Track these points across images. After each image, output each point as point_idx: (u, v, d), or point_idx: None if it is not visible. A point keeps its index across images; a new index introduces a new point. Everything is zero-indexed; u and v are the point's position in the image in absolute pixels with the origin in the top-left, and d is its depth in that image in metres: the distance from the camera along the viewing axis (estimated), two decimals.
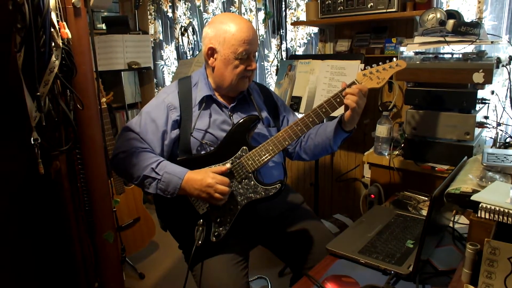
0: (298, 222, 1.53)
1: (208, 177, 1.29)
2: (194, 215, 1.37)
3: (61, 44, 1.26)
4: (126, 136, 1.43)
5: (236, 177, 1.36)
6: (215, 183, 1.28)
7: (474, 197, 0.99)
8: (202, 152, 1.43)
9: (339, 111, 1.39)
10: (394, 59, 1.38)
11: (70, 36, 1.29)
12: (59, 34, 1.25)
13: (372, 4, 2.07)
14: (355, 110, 1.32)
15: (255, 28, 1.46)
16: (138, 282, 2.51)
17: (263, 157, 1.34)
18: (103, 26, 3.46)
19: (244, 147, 1.36)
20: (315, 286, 1.08)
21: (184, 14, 3.49)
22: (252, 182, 1.35)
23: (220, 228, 1.36)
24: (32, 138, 1.27)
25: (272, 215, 1.53)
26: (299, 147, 1.59)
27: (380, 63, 1.37)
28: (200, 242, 1.32)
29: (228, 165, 1.34)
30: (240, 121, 1.39)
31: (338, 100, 1.34)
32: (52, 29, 1.22)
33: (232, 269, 1.35)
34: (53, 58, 1.24)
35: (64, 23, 1.28)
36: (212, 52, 1.42)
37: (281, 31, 2.83)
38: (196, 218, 1.36)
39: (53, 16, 1.23)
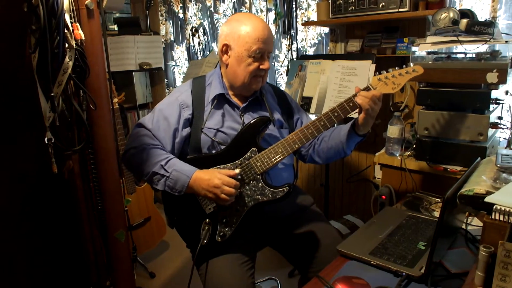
0: (306, 224, 1.52)
1: (215, 178, 1.30)
2: (201, 214, 1.38)
3: (74, 45, 1.27)
4: (138, 132, 1.45)
5: (244, 178, 1.36)
6: (222, 184, 1.29)
7: (488, 199, 0.98)
8: (212, 151, 1.44)
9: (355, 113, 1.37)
10: (411, 64, 1.35)
11: (83, 37, 1.31)
12: (73, 35, 1.27)
13: (383, 3, 2.05)
14: (368, 113, 1.30)
15: None
16: (148, 281, 2.53)
17: (272, 159, 1.34)
18: (115, 27, 3.49)
19: (254, 148, 1.36)
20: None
21: (195, 15, 3.51)
22: (260, 184, 1.35)
23: (226, 229, 1.36)
24: (46, 138, 1.29)
25: (280, 216, 1.53)
26: (312, 150, 1.58)
27: (396, 68, 1.35)
28: (205, 241, 1.33)
29: (237, 170, 1.34)
30: (251, 121, 1.39)
31: (351, 104, 1.32)
32: (65, 31, 1.24)
33: (237, 269, 1.35)
34: (67, 59, 1.26)
35: (78, 24, 1.30)
36: (226, 49, 1.44)
37: (292, 31, 2.82)
38: (203, 217, 1.37)
39: (67, 17, 1.25)
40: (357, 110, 1.34)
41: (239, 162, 1.37)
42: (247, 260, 1.40)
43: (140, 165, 1.38)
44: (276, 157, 1.34)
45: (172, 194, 1.36)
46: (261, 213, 1.41)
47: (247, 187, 1.36)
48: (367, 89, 1.34)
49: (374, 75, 1.37)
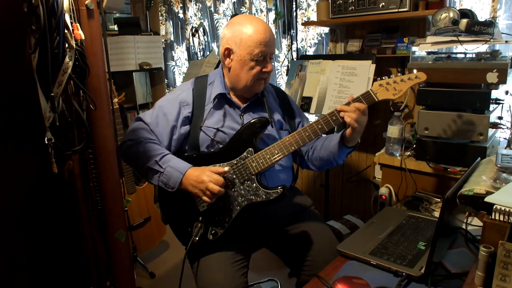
0: (302, 226, 1.52)
1: (203, 174, 1.31)
2: (194, 212, 1.39)
3: (74, 45, 1.27)
4: (136, 126, 1.47)
5: (239, 177, 1.36)
6: (209, 181, 1.30)
7: (487, 199, 0.98)
8: (211, 150, 1.44)
9: None
10: (415, 70, 1.33)
11: (83, 37, 1.31)
12: (73, 35, 1.27)
13: (383, 3, 2.05)
14: (355, 128, 1.31)
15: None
16: (148, 281, 2.53)
17: (268, 160, 1.34)
18: (115, 27, 3.49)
19: (250, 149, 1.36)
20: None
21: (195, 15, 3.51)
22: (254, 185, 1.34)
23: (218, 227, 1.36)
24: (46, 138, 1.29)
25: (277, 217, 1.53)
26: (307, 157, 1.58)
27: (399, 74, 1.35)
28: (197, 238, 1.34)
29: (226, 168, 1.34)
30: (249, 122, 1.39)
31: None
32: (65, 31, 1.24)
33: (229, 268, 1.35)
34: (67, 59, 1.26)
35: (78, 24, 1.30)
36: (228, 52, 1.44)
37: (292, 31, 2.82)
38: (196, 215, 1.38)
39: (67, 17, 1.25)
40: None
41: (235, 162, 1.37)
42: (240, 260, 1.40)
43: (136, 158, 1.40)
44: (272, 158, 1.34)
45: (167, 190, 1.37)
46: (256, 214, 1.41)
47: (241, 186, 1.36)
48: (366, 94, 1.33)
49: (375, 79, 1.36)
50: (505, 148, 1.73)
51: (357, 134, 1.35)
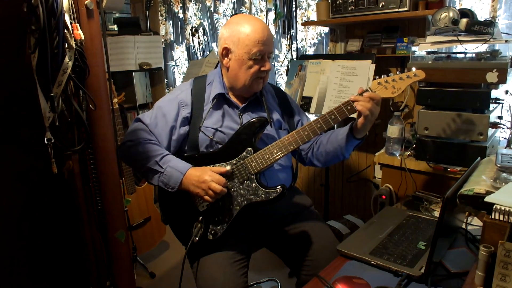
0: (302, 226, 1.51)
1: (205, 174, 1.32)
2: (194, 211, 1.39)
3: (74, 45, 1.27)
4: (136, 127, 1.47)
5: (238, 177, 1.36)
6: (211, 181, 1.30)
7: (487, 199, 0.98)
8: (210, 150, 1.44)
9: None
10: (414, 68, 1.34)
11: (83, 37, 1.31)
12: (72, 35, 1.27)
13: (383, 3, 2.05)
14: (368, 117, 1.30)
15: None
16: (148, 281, 2.53)
17: (267, 160, 1.34)
18: (115, 27, 3.49)
19: (249, 149, 1.36)
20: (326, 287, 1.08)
21: (195, 15, 3.51)
22: (254, 184, 1.34)
23: (218, 227, 1.36)
24: (45, 138, 1.29)
25: (276, 217, 1.52)
26: (311, 153, 1.57)
27: (398, 72, 1.34)
28: (197, 238, 1.34)
29: (228, 167, 1.35)
30: (249, 122, 1.39)
31: (349, 107, 1.32)
32: (65, 31, 1.24)
33: (229, 268, 1.35)
34: (66, 59, 1.26)
35: (77, 24, 1.30)
36: (226, 52, 1.44)
37: (292, 31, 2.82)
38: (196, 215, 1.38)
39: (67, 17, 1.25)
40: (355, 113, 1.34)
41: (235, 162, 1.37)
42: (240, 259, 1.40)
43: (135, 158, 1.41)
44: (271, 157, 1.34)
45: (167, 190, 1.37)
46: (256, 213, 1.41)
47: (241, 186, 1.35)
48: (365, 92, 1.33)
49: (374, 78, 1.36)
50: (505, 148, 1.73)
51: (368, 123, 1.34)
